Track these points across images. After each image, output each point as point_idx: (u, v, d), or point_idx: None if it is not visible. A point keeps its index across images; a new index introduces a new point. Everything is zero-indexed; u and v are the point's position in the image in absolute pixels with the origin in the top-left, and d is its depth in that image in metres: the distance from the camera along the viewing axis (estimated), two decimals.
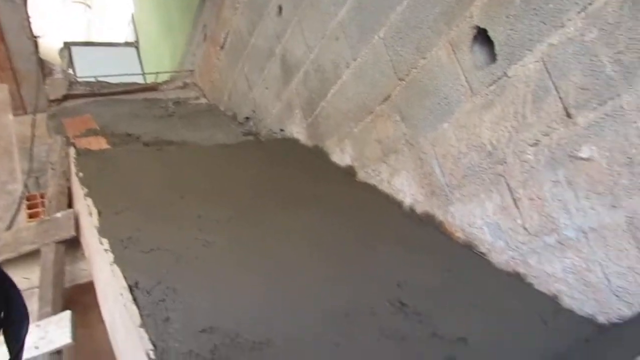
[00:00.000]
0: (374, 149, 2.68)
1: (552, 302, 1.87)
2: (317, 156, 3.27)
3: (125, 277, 1.98)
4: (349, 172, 2.95)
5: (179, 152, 3.69)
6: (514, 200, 1.93)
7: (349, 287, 1.99)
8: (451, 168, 2.18)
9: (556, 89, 1.69)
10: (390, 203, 2.62)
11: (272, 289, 1.97)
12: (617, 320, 1.68)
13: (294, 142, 3.54)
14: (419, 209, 2.44)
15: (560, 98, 1.68)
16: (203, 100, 5.03)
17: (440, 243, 2.27)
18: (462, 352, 1.64)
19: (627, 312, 1.65)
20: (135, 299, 1.87)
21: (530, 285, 1.95)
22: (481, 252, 2.12)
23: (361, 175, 2.85)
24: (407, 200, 2.51)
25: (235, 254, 2.22)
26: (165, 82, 5.54)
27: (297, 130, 3.47)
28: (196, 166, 3.29)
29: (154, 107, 4.89)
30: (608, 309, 1.70)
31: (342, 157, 3.02)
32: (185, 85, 5.24)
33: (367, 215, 2.60)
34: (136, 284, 1.94)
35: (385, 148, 2.59)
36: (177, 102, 4.85)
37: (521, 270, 1.97)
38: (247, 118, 4.20)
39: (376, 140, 2.65)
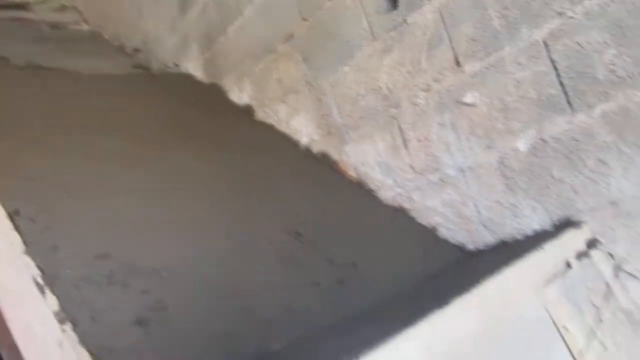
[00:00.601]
0: (274, 88, 2.70)
1: (430, 233, 2.10)
2: (213, 94, 3.21)
3: (2, 204, 1.84)
4: (247, 111, 2.95)
5: (59, 80, 3.39)
6: (404, 141, 2.10)
7: (247, 220, 2.05)
8: (349, 110, 2.29)
9: (449, 38, 1.84)
10: (288, 142, 2.69)
11: (169, 221, 1.97)
12: (483, 247, 1.94)
13: (190, 78, 3.43)
14: (316, 149, 2.54)
15: (452, 47, 1.84)
16: (85, 27, 4.61)
17: (335, 180, 2.41)
18: (352, 275, 1.80)
19: (491, 239, 1.92)
20: (16, 227, 1.76)
21: (413, 218, 2.16)
22: (371, 189, 2.29)
23: (259, 115, 2.87)
24: (304, 140, 2.60)
25: (130, 185, 2.15)
26: (38, 2, 4.97)
27: (193, 66, 3.36)
28: (80, 97, 3.06)
29: (26, 28, 4.39)
30: (476, 238, 1.96)
31: (240, 95, 3.00)
32: (63, 8, 4.75)
33: (265, 153, 2.65)
34: (16, 211, 1.82)
35: (285, 88, 2.63)
36: (54, 26, 4.39)
37: (406, 205, 2.17)
38: (137, 50, 3.96)
39: (277, 80, 2.67)
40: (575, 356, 1.29)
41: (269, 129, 2.81)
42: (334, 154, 2.45)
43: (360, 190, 2.34)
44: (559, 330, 1.32)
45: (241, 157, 2.58)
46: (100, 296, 1.53)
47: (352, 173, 2.37)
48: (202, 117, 3.05)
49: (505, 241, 1.86)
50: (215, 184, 2.30)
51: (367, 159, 2.28)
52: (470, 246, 1.98)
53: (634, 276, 1.56)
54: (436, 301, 1.14)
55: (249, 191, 2.31)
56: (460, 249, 2.02)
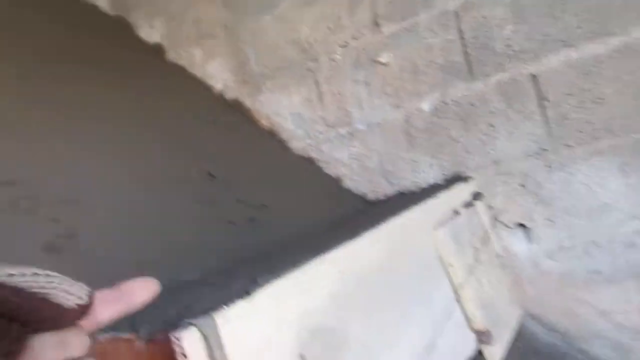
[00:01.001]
0: (190, 30, 2.65)
1: (336, 183, 2.25)
2: (120, 28, 3.05)
3: None
4: (158, 50, 2.86)
5: None
6: (319, 94, 2.20)
7: (160, 159, 2.05)
8: (267, 60, 2.33)
9: None
10: (200, 86, 2.67)
11: (78, 153, 1.91)
12: (382, 197, 2.13)
13: (92, 8, 3.21)
14: (229, 95, 2.55)
15: (371, 8, 1.95)
16: None
17: (247, 128, 2.45)
18: (263, 215, 1.90)
19: (391, 191, 2.10)
20: None
21: (320, 168, 2.29)
22: (283, 139, 2.38)
23: (171, 56, 2.80)
24: (218, 86, 2.60)
25: (35, 114, 2.04)
26: None
27: None
28: None
29: None
30: (377, 189, 2.14)
31: (150, 33, 2.89)
32: None
33: (177, 96, 2.61)
34: None
35: (202, 31, 2.59)
36: None
37: (315, 155, 2.29)
38: None
39: (194, 21, 2.62)
40: (456, 288, 1.51)
41: (181, 71, 2.75)
42: (248, 102, 2.48)
43: (272, 139, 2.41)
44: (444, 266, 1.53)
45: (151, 96, 2.52)
46: (5, 223, 1.48)
47: (264, 122, 2.43)
48: (107, 52, 2.90)
49: (403, 192, 2.06)
50: (125, 121, 2.24)
51: (281, 110, 2.35)
52: (371, 196, 2.16)
53: (507, 226, 1.82)
54: (348, 234, 1.28)
55: (161, 130, 2.29)
56: (362, 198, 2.19)
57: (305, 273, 1.08)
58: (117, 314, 0.37)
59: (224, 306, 0.91)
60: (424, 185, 2.00)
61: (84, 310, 0.35)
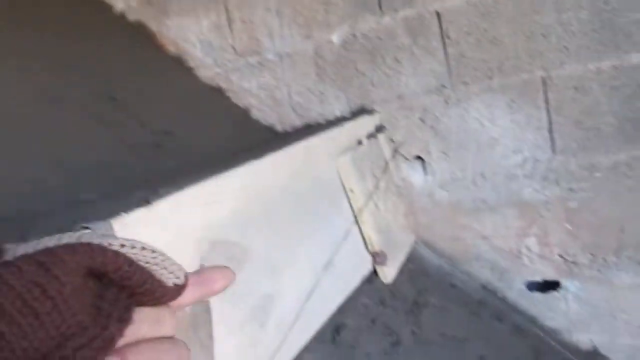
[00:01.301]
0: None
1: (244, 113, 2.23)
2: None
3: None
4: None
5: None
6: (229, 20, 2.13)
7: (57, 79, 1.91)
8: None
9: None
10: (99, 5, 2.47)
11: None
12: (289, 129, 2.15)
13: None
14: (132, 16, 2.40)
15: None
16: None
17: (152, 53, 2.33)
18: (168, 141, 1.85)
19: (298, 123, 2.13)
20: None
21: (228, 98, 2.25)
22: (190, 67, 2.29)
23: None
24: (119, 6, 2.42)
25: None
26: None
27: None
28: None
29: None
30: (285, 120, 2.15)
31: None
32: None
33: (73, 16, 2.40)
34: None
35: None
36: None
37: (223, 85, 2.24)
38: None
39: None
40: (356, 212, 1.60)
41: None
42: (153, 26, 2.35)
43: (179, 67, 2.32)
44: (345, 191, 1.60)
45: (46, 17, 2.31)
46: None
47: (171, 47, 2.32)
48: None
49: (310, 124, 2.09)
50: (21, 40, 2.05)
51: (189, 36, 2.26)
52: (279, 127, 2.18)
53: (406, 158, 1.93)
54: (252, 157, 1.29)
55: (58, 51, 2.12)
56: (270, 129, 2.20)
57: (207, 187, 1.09)
58: (197, 299, 0.37)
59: (123, 213, 0.91)
60: (331, 117, 2.04)
61: (179, 290, 0.35)
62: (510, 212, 1.80)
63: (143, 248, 0.33)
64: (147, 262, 0.33)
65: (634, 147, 1.58)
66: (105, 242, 0.31)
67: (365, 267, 1.65)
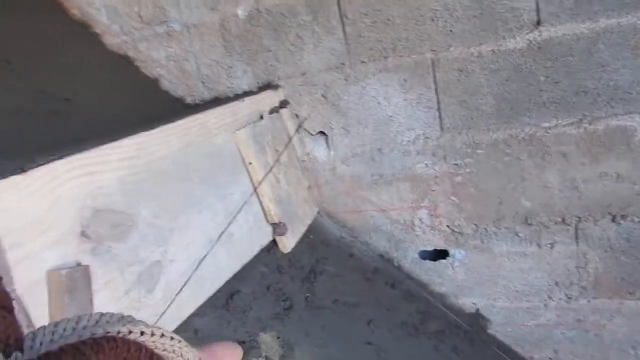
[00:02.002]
0: None
1: (153, 84, 2.20)
2: None
3: None
4: None
5: None
6: None
7: None
8: None
9: None
10: None
11: None
12: (199, 101, 2.15)
13: None
14: None
15: None
16: None
17: (54, 17, 2.24)
18: (67, 108, 1.81)
19: (207, 95, 2.14)
20: None
21: (137, 67, 2.21)
22: (96, 33, 2.23)
23: None
24: None
25: None
26: None
27: None
28: None
29: None
30: (195, 93, 2.15)
31: None
32: None
33: None
34: None
35: None
36: None
37: (131, 54, 2.20)
38: None
39: None
40: (255, 184, 1.65)
41: None
42: None
43: (84, 33, 2.24)
44: (245, 164, 1.65)
45: None
46: None
47: (75, 12, 2.24)
48: None
49: (219, 97, 2.11)
50: None
51: (94, 1, 2.18)
52: (189, 99, 2.17)
53: (310, 133, 2.00)
54: (146, 128, 1.31)
55: None
56: (179, 101, 2.19)
57: (90, 157, 1.10)
58: None
59: None
60: (238, 91, 2.07)
61: None
62: (405, 186, 1.92)
63: (162, 335, 0.33)
64: (164, 350, 0.33)
65: (511, 126, 1.73)
66: (125, 330, 0.32)
67: (265, 238, 1.72)
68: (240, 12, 1.94)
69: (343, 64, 1.86)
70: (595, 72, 1.59)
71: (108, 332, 0.31)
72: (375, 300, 1.80)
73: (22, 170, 0.98)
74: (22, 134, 1.60)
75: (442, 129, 1.81)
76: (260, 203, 1.69)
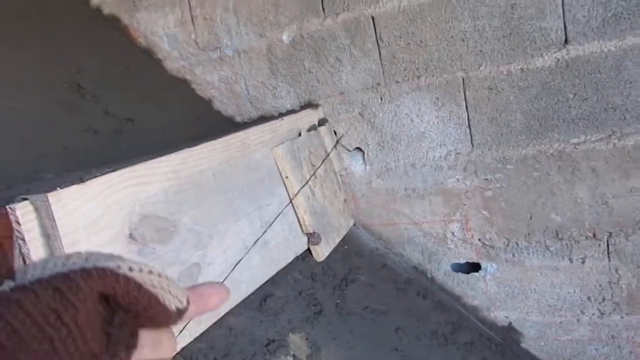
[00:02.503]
0: None
1: (207, 104, 2.41)
2: None
3: None
4: None
5: None
6: (192, 17, 2.31)
7: (26, 66, 2.08)
8: None
9: None
10: None
11: None
12: (247, 120, 2.33)
13: None
14: (106, 10, 2.57)
15: None
16: None
17: (123, 44, 2.51)
18: (129, 128, 2.04)
19: (255, 114, 2.31)
20: None
21: (193, 90, 2.43)
22: (158, 59, 2.47)
23: None
24: (95, 0, 2.59)
25: None
26: None
27: None
28: None
29: None
30: (243, 112, 2.33)
31: None
32: None
33: (49, 6, 2.57)
34: None
35: None
36: None
37: (188, 77, 2.42)
38: None
39: None
40: (290, 196, 1.79)
41: None
42: (125, 19, 2.52)
43: (148, 58, 2.50)
44: (282, 178, 1.79)
45: (25, 6, 2.47)
46: None
47: (141, 40, 2.49)
48: None
49: (265, 116, 2.27)
50: None
51: (157, 29, 2.43)
52: (238, 118, 2.36)
53: (347, 149, 2.12)
54: (190, 145, 1.48)
55: (34, 40, 2.29)
56: (230, 120, 2.38)
57: (138, 170, 1.27)
58: (193, 317, 0.37)
59: (59, 188, 1.09)
60: (282, 110, 2.22)
61: (181, 314, 0.35)
62: (437, 200, 1.99)
63: (150, 272, 0.33)
64: (153, 286, 0.33)
65: (540, 142, 1.76)
66: (114, 265, 0.32)
67: (301, 247, 1.84)
68: (285, 37, 2.11)
69: (379, 83, 1.97)
70: (624, 89, 1.61)
71: (97, 267, 0.31)
72: (405, 309, 1.88)
73: (81, 180, 1.16)
74: (89, 150, 1.83)
75: (472, 145, 1.87)
76: (296, 214, 1.82)
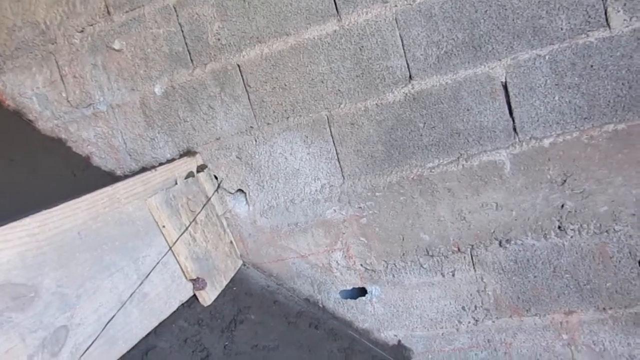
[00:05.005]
0: None
1: (85, 161, 2.37)
2: None
3: None
4: None
5: None
6: (61, 76, 2.28)
7: None
8: (4, 38, 2.33)
9: None
10: None
11: None
12: (128, 173, 2.32)
13: None
14: None
15: None
16: None
17: None
18: None
19: (135, 167, 2.30)
20: None
21: (69, 148, 2.38)
22: (29, 120, 2.40)
23: None
24: None
25: None
26: None
27: None
28: None
29: None
30: (124, 165, 2.32)
31: None
32: None
33: None
34: None
35: None
36: None
37: (63, 135, 2.37)
38: None
39: None
40: (169, 244, 1.79)
41: None
42: None
43: (18, 120, 2.42)
44: (159, 227, 1.79)
45: None
46: None
47: (9, 103, 2.42)
48: None
49: (146, 168, 2.27)
50: None
51: (26, 90, 2.37)
52: (119, 172, 2.34)
53: (229, 192, 2.16)
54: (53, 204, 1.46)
55: None
56: (110, 174, 2.35)
57: None
58: None
59: None
60: (163, 160, 2.24)
61: None
62: (318, 232, 2.08)
63: None
64: None
65: (401, 169, 1.91)
66: None
67: (186, 293, 1.84)
68: (157, 89, 2.14)
69: (252, 127, 2.05)
70: (463, 116, 1.80)
71: None
72: (297, 342, 1.92)
73: None
74: None
75: (343, 176, 1.99)
76: (177, 262, 1.82)
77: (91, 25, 2.17)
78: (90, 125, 2.31)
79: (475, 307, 1.94)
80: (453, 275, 1.94)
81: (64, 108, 2.33)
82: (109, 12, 2.12)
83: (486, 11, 1.73)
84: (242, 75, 2.01)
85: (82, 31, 2.19)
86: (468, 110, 1.79)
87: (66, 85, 2.29)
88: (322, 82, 1.92)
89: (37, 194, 2.07)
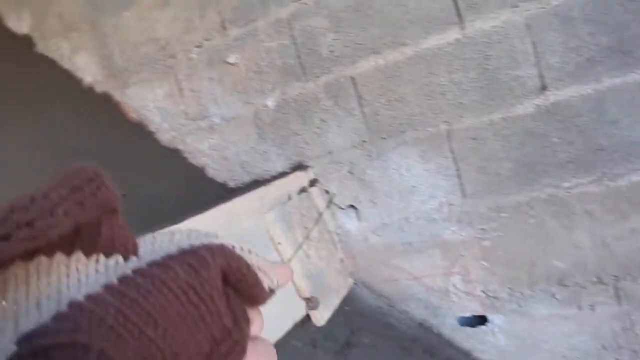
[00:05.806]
0: (55, 22, 2.68)
1: (200, 172, 2.43)
2: None
3: None
4: (27, 42, 2.86)
5: None
6: (179, 90, 2.36)
7: (24, 151, 2.13)
8: (130, 55, 2.45)
9: (217, 3, 2.12)
10: (70, 79, 2.72)
11: None
12: (240, 184, 2.34)
13: None
14: (99, 89, 2.63)
15: (219, 12, 2.13)
16: None
17: (116, 121, 2.56)
18: (122, 204, 2.04)
19: (247, 178, 2.32)
20: None
21: (185, 159, 2.45)
22: (150, 131, 2.51)
23: (40, 48, 2.81)
24: (88, 79, 2.66)
25: None
26: None
27: None
28: None
29: None
30: (236, 177, 2.34)
31: (19, 24, 2.88)
32: None
33: (45, 87, 2.65)
34: None
35: (66, 24, 2.64)
36: None
37: (180, 147, 2.45)
38: None
39: (57, 14, 2.65)
40: (285, 261, 1.76)
41: (51, 63, 2.78)
42: (117, 96, 2.58)
43: (140, 132, 2.54)
44: (274, 244, 1.77)
45: (21, 88, 2.56)
46: None
47: (133, 115, 2.54)
48: None
49: (258, 180, 2.28)
50: None
51: (147, 103, 2.48)
52: (231, 184, 2.37)
53: (340, 207, 2.10)
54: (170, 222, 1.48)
55: (28, 122, 2.35)
56: (223, 186, 2.39)
57: None
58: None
59: None
60: (274, 173, 2.23)
61: (272, 294, 0.36)
62: (435, 253, 1.95)
63: (250, 251, 0.34)
64: (256, 266, 0.33)
65: (532, 188, 1.74)
66: (227, 243, 0.32)
67: (299, 312, 1.80)
68: (270, 103, 2.14)
69: (365, 141, 1.98)
70: (608, 130, 1.59)
71: (215, 244, 0.31)
72: None
73: None
74: None
75: (464, 195, 1.85)
76: (292, 280, 1.79)
77: (208, 40, 2.21)
78: (205, 137, 2.36)
79: (619, 346, 1.72)
80: (592, 309, 1.73)
81: (181, 120, 2.40)
82: (224, 27, 2.15)
83: (638, 10, 1.51)
84: (355, 88, 1.94)
85: (199, 46, 2.24)
86: (614, 123, 1.58)
87: (183, 98, 2.36)
88: (442, 94, 1.79)
89: (159, 202, 2.15)
